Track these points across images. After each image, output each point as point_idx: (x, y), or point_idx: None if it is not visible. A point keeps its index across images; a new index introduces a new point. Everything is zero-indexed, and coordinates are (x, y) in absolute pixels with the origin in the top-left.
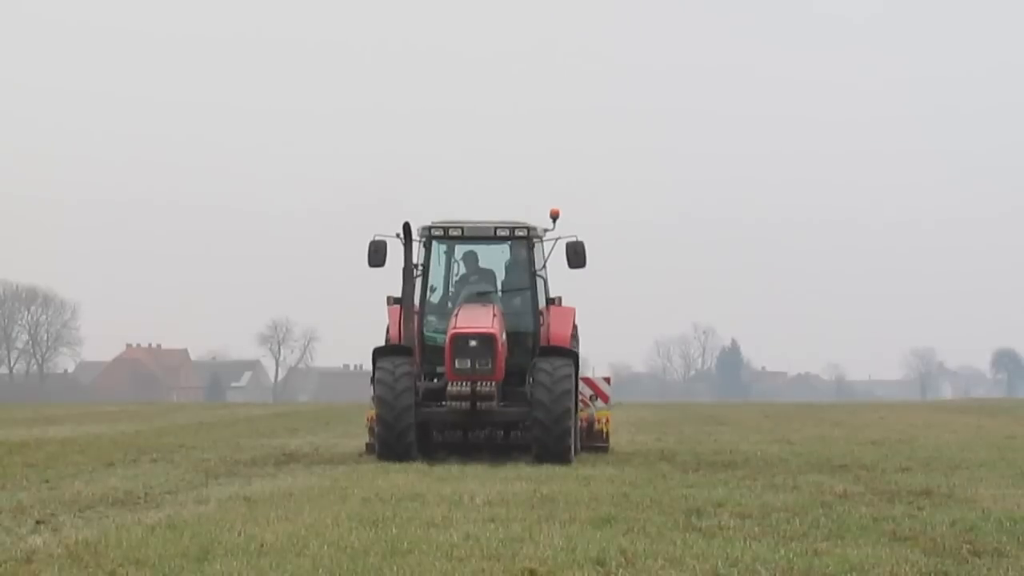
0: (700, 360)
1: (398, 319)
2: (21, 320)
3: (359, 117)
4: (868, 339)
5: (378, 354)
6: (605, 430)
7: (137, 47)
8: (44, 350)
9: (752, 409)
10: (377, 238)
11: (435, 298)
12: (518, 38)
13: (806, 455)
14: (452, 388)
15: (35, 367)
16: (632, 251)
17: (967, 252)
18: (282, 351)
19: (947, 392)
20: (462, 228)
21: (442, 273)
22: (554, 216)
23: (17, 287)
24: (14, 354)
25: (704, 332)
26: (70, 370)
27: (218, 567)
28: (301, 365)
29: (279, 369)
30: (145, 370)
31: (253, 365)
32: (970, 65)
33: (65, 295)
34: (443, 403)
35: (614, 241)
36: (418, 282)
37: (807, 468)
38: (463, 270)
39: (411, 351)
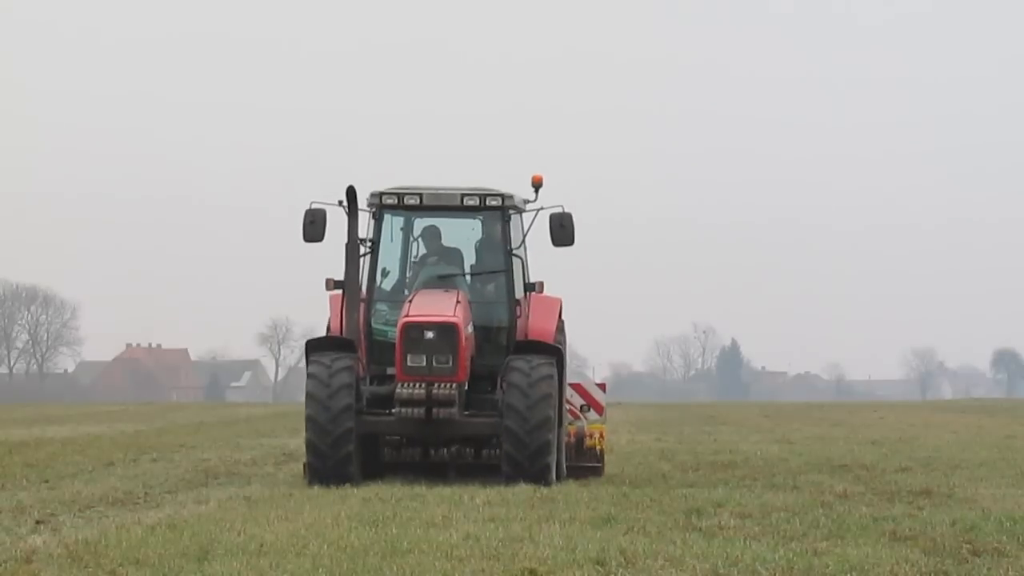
0: (700, 360)
1: (341, 308)
2: (21, 320)
3: (361, 117)
4: (868, 339)
5: (311, 348)
6: (598, 447)
7: (136, 45)
8: (44, 350)
9: (752, 409)
10: (315, 206)
11: (388, 283)
12: (519, 38)
13: (806, 455)
14: (402, 391)
15: (35, 367)
16: (632, 250)
17: (968, 252)
18: (282, 351)
19: (947, 392)
20: (420, 195)
21: (396, 252)
22: (536, 184)
23: (17, 286)
24: (14, 354)
25: (704, 332)
26: (70, 370)
27: (218, 567)
28: (301, 365)
29: (279, 369)
30: (145, 370)
31: (253, 365)
32: (971, 66)
33: (65, 295)
34: (392, 411)
35: (615, 240)
36: (365, 262)
37: (807, 468)
38: (423, 248)
39: (354, 346)
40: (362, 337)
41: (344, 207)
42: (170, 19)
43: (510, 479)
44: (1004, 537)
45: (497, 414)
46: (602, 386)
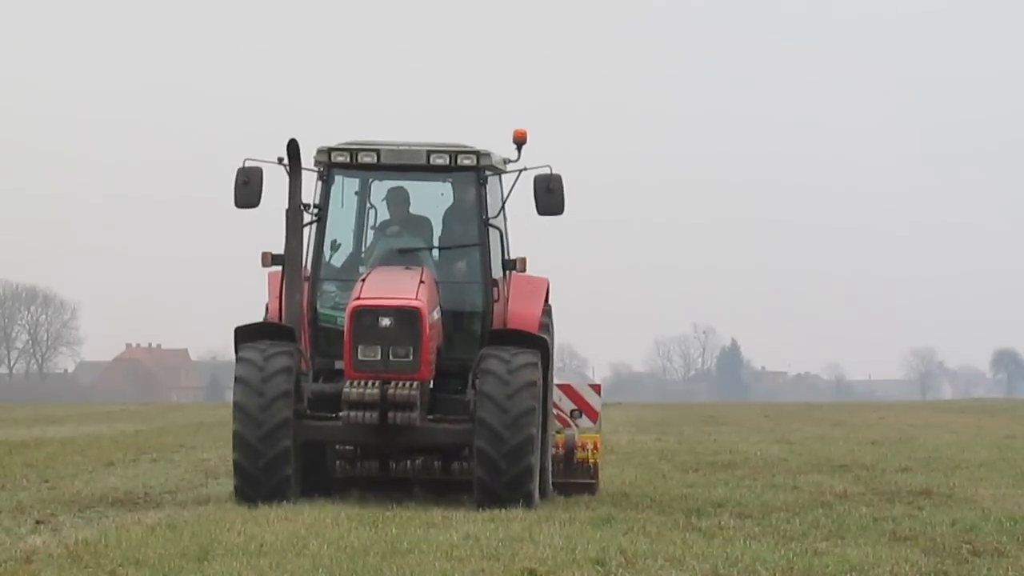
0: (700, 360)
1: (280, 288)
2: (21, 320)
3: (364, 116)
4: (868, 339)
5: (241, 337)
6: (592, 460)
7: (133, 43)
8: (44, 350)
9: (752, 409)
10: (249, 164)
11: (339, 258)
12: (520, 38)
13: (806, 455)
14: (351, 391)
15: (35, 367)
16: (632, 251)
17: (968, 253)
18: None
19: (947, 392)
20: (377, 152)
21: (350, 221)
22: (519, 140)
23: (17, 287)
24: (14, 354)
25: (704, 332)
26: (70, 370)
27: (218, 567)
28: None
29: None
30: (145, 370)
31: None
32: (972, 68)
33: (65, 295)
34: (339, 414)
35: (615, 241)
36: (310, 232)
37: (807, 468)
38: (382, 217)
39: (295, 335)
40: (305, 324)
41: (284, 165)
42: (161, 14)
43: (481, 504)
44: (1004, 537)
45: (468, 419)
46: (596, 388)
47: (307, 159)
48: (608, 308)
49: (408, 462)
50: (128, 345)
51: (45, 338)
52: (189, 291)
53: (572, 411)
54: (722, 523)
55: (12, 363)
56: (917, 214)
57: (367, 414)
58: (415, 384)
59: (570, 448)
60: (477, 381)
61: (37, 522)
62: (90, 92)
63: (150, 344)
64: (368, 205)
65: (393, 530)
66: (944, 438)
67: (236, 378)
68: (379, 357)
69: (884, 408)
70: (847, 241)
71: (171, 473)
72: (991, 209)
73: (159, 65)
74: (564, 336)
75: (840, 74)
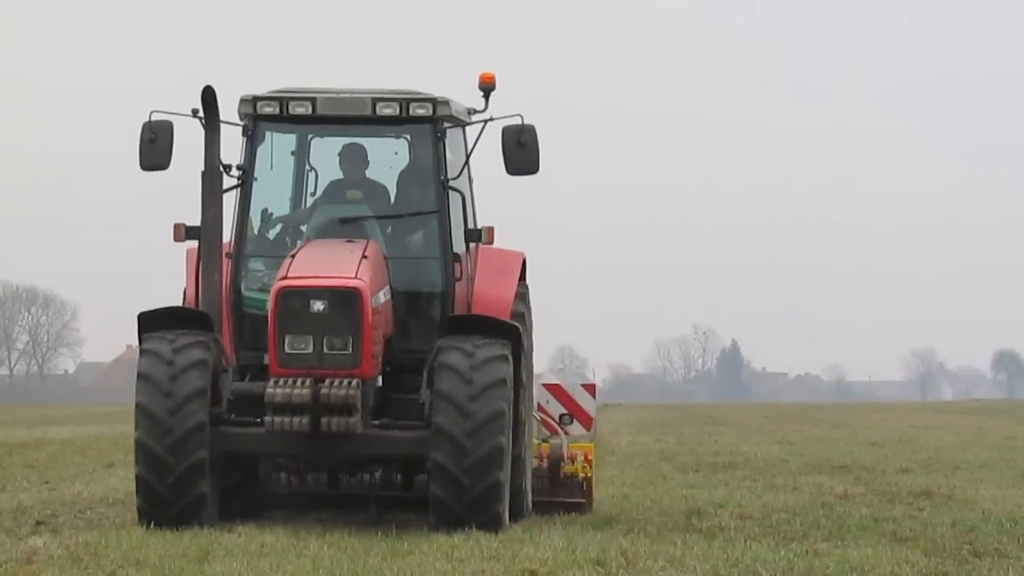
0: (700, 361)
1: (196, 266)
2: (21, 321)
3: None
4: (868, 340)
5: (146, 325)
6: (584, 475)
7: (130, 42)
8: (44, 351)
9: (752, 410)
10: (156, 117)
11: (270, 231)
12: (520, 39)
13: (806, 456)
14: (276, 391)
15: (35, 368)
16: (632, 253)
17: (968, 254)
18: None
19: (947, 393)
20: (313, 101)
21: (285, 186)
22: (486, 86)
23: (17, 288)
24: (14, 355)
25: (704, 333)
26: (70, 371)
27: (218, 567)
28: None
29: None
30: None
31: None
32: (971, 69)
33: (65, 296)
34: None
35: (615, 242)
36: (232, 199)
37: (807, 469)
38: (326, 180)
39: (211, 322)
40: (227, 310)
41: (200, 118)
42: (158, 13)
43: (439, 526)
44: (1004, 538)
45: (423, 425)
46: (591, 388)
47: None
48: (608, 309)
49: (366, 475)
50: (128, 346)
51: (45, 339)
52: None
53: (562, 416)
54: (723, 524)
55: (12, 364)
56: (917, 215)
57: (296, 419)
58: (355, 382)
59: (556, 460)
60: (434, 378)
61: (37, 523)
62: (91, 91)
63: None
64: (307, 167)
65: (393, 530)
66: (944, 439)
67: (139, 375)
68: (311, 350)
69: (884, 409)
70: (847, 242)
71: None
72: (991, 210)
73: (148, 64)
74: (565, 337)
75: (838, 77)
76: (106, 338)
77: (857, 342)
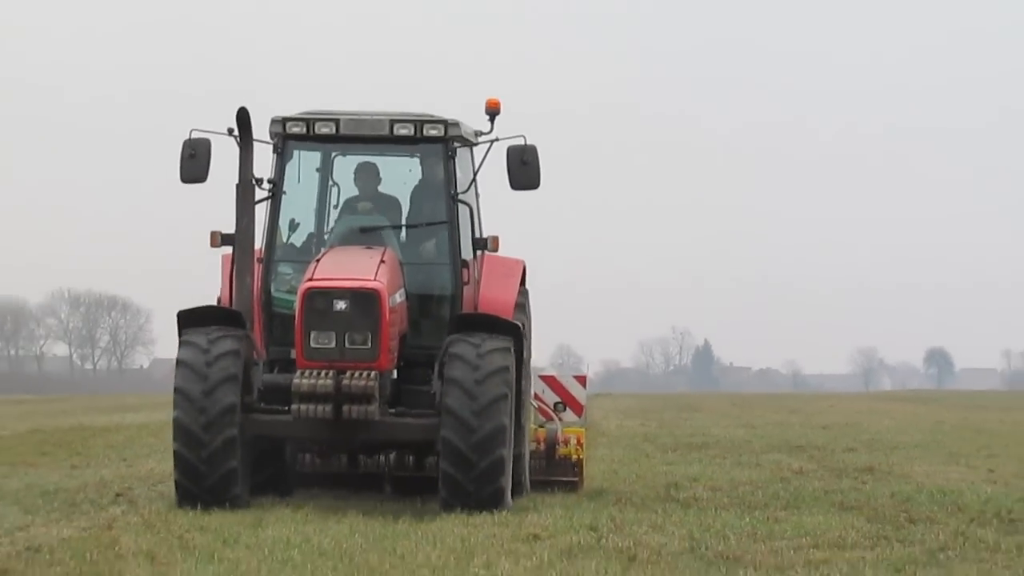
0: (677, 357)
1: (231, 270)
2: (103, 324)
3: (331, 88)
4: (820, 340)
5: (185, 322)
6: (575, 457)
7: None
8: (123, 349)
9: (721, 399)
10: (196, 135)
11: (297, 238)
12: (520, 40)
13: (767, 438)
14: (302, 381)
15: (115, 364)
16: (621, 266)
17: (903, 264)
18: None
19: (887, 384)
20: (336, 122)
21: (311, 198)
22: (492, 111)
23: (100, 296)
24: (97, 352)
25: (681, 334)
26: (145, 366)
27: (271, 532)
28: None
29: None
30: None
31: None
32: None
33: (140, 303)
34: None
35: (606, 259)
36: (263, 209)
37: (768, 449)
38: (346, 193)
39: (243, 319)
40: (258, 309)
41: (235, 136)
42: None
43: (448, 506)
44: (935, 507)
45: (434, 413)
46: (582, 379)
47: (263, 132)
48: (600, 314)
49: (381, 457)
50: None
51: (123, 339)
52: None
53: (556, 404)
54: (696, 495)
55: (96, 360)
56: (861, 236)
57: (320, 407)
58: (373, 374)
59: (552, 443)
60: (444, 368)
61: (117, 495)
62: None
63: None
64: (330, 182)
65: (419, 501)
66: (884, 423)
67: (178, 362)
68: (334, 344)
69: (833, 398)
70: (803, 255)
71: None
72: (927, 225)
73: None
74: (563, 337)
75: (840, 80)
76: (175, 338)
77: (810, 341)
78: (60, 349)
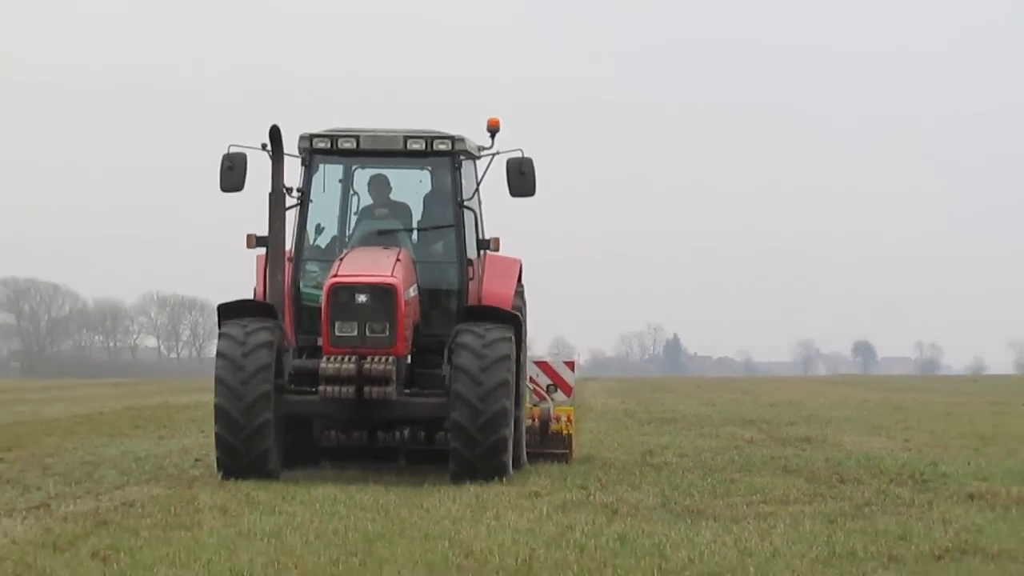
0: (652, 348)
1: (264, 268)
2: (185, 321)
3: (349, 106)
4: (768, 333)
5: (224, 314)
6: (566, 432)
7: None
8: (201, 342)
9: (687, 382)
10: (234, 150)
11: (322, 240)
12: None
13: (724, 413)
14: (328, 365)
15: (195, 353)
16: (604, 272)
17: (833, 267)
18: None
19: (822, 370)
20: (357, 138)
21: (333, 205)
22: (492, 128)
23: (183, 298)
24: (180, 344)
25: (655, 328)
26: None
27: (320, 491)
28: None
29: None
30: None
31: None
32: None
33: (215, 302)
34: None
35: (593, 265)
36: (293, 214)
37: (725, 422)
38: (364, 201)
39: (275, 312)
40: (288, 302)
41: (268, 151)
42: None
43: (457, 478)
44: (861, 470)
45: (444, 393)
46: (571, 364)
47: (292, 146)
48: (589, 311)
49: (396, 432)
50: None
51: (201, 333)
52: None
53: (548, 386)
54: (667, 460)
55: (179, 351)
56: (805, 237)
57: (343, 388)
58: (391, 359)
59: (545, 420)
60: (452, 355)
61: (196, 460)
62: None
63: None
64: (351, 191)
65: (430, 470)
66: (820, 402)
67: (218, 353)
68: (356, 333)
69: (778, 381)
70: (754, 259)
71: None
72: (860, 229)
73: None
74: (557, 330)
75: (837, 78)
76: None
77: (760, 335)
78: (150, 342)
